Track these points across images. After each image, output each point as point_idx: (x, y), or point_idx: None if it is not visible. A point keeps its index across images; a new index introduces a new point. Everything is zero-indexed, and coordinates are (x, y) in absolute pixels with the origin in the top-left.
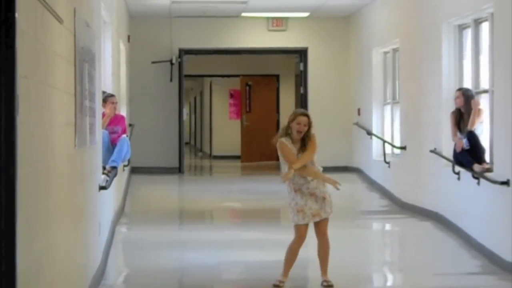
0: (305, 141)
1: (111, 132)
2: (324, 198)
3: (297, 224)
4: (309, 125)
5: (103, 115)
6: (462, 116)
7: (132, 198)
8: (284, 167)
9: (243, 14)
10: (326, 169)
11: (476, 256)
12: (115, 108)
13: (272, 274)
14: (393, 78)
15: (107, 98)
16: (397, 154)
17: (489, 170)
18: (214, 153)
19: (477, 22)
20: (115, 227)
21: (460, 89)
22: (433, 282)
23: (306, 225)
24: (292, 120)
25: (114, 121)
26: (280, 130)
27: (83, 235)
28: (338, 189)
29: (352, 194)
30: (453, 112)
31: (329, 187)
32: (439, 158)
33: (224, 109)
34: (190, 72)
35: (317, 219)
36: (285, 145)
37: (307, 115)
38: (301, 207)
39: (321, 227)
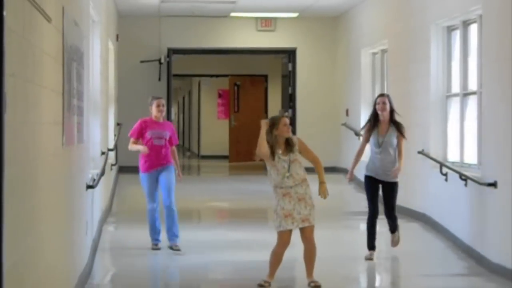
0: (289, 142)
1: (156, 137)
2: (313, 206)
3: (281, 231)
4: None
5: (133, 133)
6: (377, 124)
7: (119, 198)
8: (271, 172)
9: (232, 14)
10: (313, 170)
11: (463, 258)
12: (161, 112)
13: (258, 274)
14: (381, 79)
15: (153, 101)
16: None
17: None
18: (202, 153)
19: (466, 24)
20: (103, 226)
21: (384, 95)
22: (420, 283)
23: (290, 231)
24: (277, 128)
25: (160, 126)
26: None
27: (70, 234)
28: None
29: (340, 195)
30: (369, 121)
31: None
32: (427, 159)
33: (213, 109)
34: (179, 72)
35: (306, 224)
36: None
37: (286, 116)
38: (289, 212)
39: (306, 233)
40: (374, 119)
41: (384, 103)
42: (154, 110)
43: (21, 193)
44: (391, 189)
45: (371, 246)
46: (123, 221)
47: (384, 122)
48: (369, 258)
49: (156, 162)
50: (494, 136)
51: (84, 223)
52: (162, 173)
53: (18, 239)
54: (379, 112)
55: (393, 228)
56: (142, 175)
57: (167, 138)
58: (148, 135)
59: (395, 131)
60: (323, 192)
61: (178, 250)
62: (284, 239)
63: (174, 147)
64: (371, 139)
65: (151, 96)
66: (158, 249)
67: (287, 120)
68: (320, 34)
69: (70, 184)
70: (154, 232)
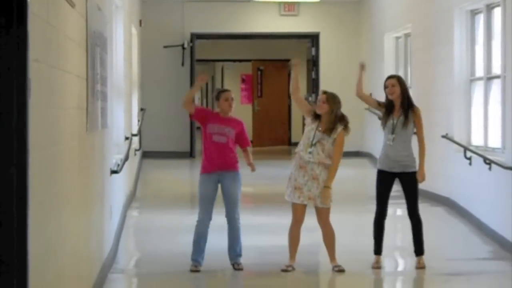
0: (335, 122)
1: (216, 133)
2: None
3: (294, 204)
4: (328, 101)
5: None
6: (392, 110)
7: (143, 183)
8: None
9: None
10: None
11: (488, 242)
12: (231, 106)
13: (282, 259)
14: (405, 63)
15: (220, 94)
16: None
17: None
18: None
19: (490, 7)
20: (127, 211)
21: (393, 76)
22: (445, 267)
23: (303, 207)
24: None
25: (224, 121)
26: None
27: (94, 219)
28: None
29: (363, 179)
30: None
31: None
32: (451, 143)
33: (236, 94)
34: (202, 57)
35: (311, 203)
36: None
37: (325, 93)
38: (299, 185)
39: (322, 216)
40: (388, 105)
41: (393, 85)
42: (223, 105)
43: (46, 178)
44: (411, 180)
45: (378, 250)
46: (147, 206)
47: (396, 107)
48: (377, 267)
49: (218, 162)
50: None
51: (108, 208)
52: (225, 180)
53: (43, 224)
54: (389, 96)
55: (420, 249)
56: (200, 178)
57: (231, 136)
58: (208, 129)
59: (410, 117)
60: (323, 197)
61: (241, 269)
62: (297, 214)
63: (247, 149)
64: (386, 125)
65: (216, 90)
66: (198, 271)
67: (323, 97)
68: (343, 18)
69: (94, 169)
70: (197, 251)
